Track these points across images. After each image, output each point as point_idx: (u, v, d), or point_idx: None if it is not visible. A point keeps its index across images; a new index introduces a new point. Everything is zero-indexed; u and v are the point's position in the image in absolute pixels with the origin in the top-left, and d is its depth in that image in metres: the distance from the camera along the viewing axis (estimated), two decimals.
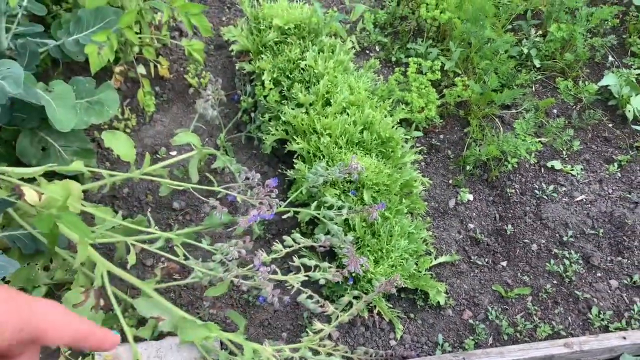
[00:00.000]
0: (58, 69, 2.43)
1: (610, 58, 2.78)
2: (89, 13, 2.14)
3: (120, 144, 2.03)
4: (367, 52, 2.73)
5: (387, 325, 1.91)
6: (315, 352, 1.72)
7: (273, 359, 1.63)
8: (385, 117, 2.20)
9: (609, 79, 2.51)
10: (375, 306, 1.93)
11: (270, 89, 2.28)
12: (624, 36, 2.84)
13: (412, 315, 1.94)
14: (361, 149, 2.10)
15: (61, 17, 2.21)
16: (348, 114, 2.12)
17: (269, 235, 2.15)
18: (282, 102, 2.26)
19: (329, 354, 1.76)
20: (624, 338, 1.88)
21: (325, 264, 1.68)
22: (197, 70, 2.51)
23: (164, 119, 2.49)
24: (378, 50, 2.72)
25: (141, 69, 2.38)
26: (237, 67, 2.48)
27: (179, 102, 2.54)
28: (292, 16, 2.39)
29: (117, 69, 2.42)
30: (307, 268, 1.68)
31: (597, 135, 2.51)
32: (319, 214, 1.87)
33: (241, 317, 1.85)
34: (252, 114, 2.41)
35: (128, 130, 2.43)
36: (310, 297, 1.67)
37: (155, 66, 2.53)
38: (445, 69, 2.48)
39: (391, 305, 1.96)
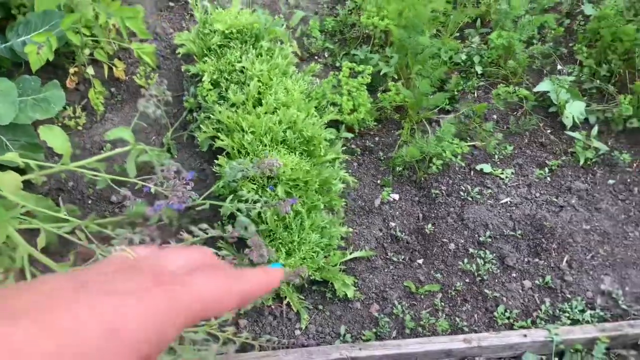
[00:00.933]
0: (20, 69, 2.59)
1: (559, 66, 2.81)
2: (36, 16, 2.30)
3: (54, 138, 2.17)
4: (316, 57, 2.83)
5: (295, 315, 1.98)
6: (215, 337, 1.81)
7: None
8: (315, 117, 2.28)
9: (544, 86, 2.55)
10: (285, 297, 2.00)
11: (209, 89, 2.39)
12: (570, 44, 2.88)
13: (320, 307, 2.01)
14: (285, 147, 2.19)
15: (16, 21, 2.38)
16: (278, 114, 2.22)
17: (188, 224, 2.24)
18: (220, 102, 2.37)
19: (229, 339, 1.85)
20: (525, 336, 1.91)
21: (224, 252, 1.77)
22: (146, 72, 2.65)
23: (115, 118, 2.63)
24: (327, 56, 2.82)
25: (91, 70, 2.52)
26: (183, 70, 2.61)
27: (132, 102, 2.68)
28: (235, 22, 2.51)
29: (72, 69, 2.57)
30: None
31: (533, 140, 2.55)
32: (232, 206, 1.96)
33: None
34: (195, 114, 2.53)
35: (80, 128, 2.57)
36: None
37: (111, 68, 2.67)
38: (382, 74, 2.56)
39: (303, 297, 2.03)
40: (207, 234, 1.82)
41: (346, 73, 2.41)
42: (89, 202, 2.34)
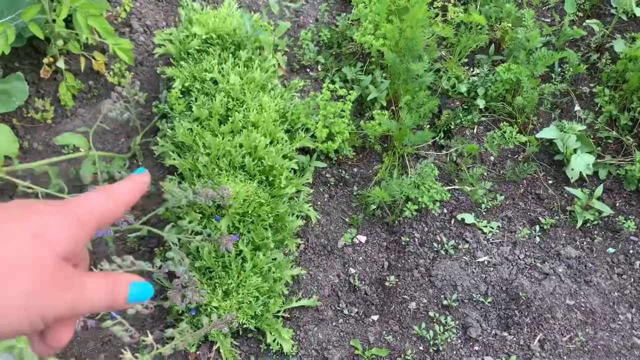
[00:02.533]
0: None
1: (577, 107, 2.51)
2: (4, 4, 2.16)
3: (2, 137, 2.05)
4: (308, 70, 2.61)
5: None
6: None
7: None
8: (282, 143, 2.08)
9: (549, 132, 2.26)
10: (216, 342, 1.83)
11: (178, 97, 2.22)
12: (592, 85, 2.56)
13: (253, 358, 1.83)
14: (244, 173, 2.00)
15: None
16: (240, 136, 2.03)
17: (144, 248, 2.09)
18: (187, 112, 2.19)
19: None
20: None
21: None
22: (121, 70, 2.49)
23: (86, 115, 2.49)
24: (319, 69, 2.59)
25: (62, 63, 2.38)
26: (158, 71, 2.44)
27: (108, 98, 2.53)
28: (217, 26, 2.31)
29: (46, 59, 2.44)
30: None
31: (529, 191, 2.28)
32: (168, 236, 1.79)
33: None
34: (164, 121, 2.36)
35: (49, 122, 2.44)
36: (119, 324, 1.60)
37: (90, 60, 2.53)
38: (369, 99, 2.32)
39: (237, 344, 1.86)
40: (133, 265, 1.66)
41: (326, 96, 2.19)
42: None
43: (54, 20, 2.30)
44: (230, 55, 2.30)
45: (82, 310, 0.51)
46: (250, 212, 1.89)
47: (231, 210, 1.87)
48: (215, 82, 2.22)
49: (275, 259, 1.90)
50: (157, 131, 2.44)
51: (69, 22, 2.37)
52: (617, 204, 2.25)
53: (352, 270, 2.03)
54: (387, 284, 1.99)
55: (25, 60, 2.54)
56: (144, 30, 2.78)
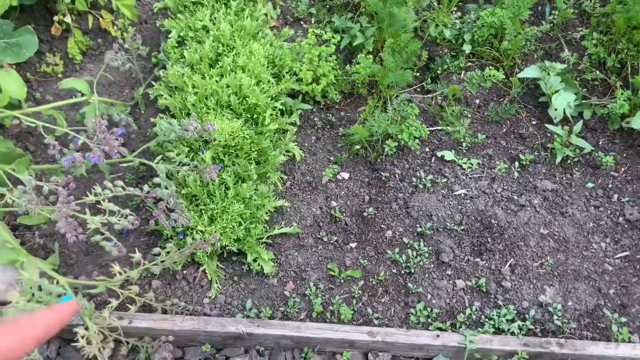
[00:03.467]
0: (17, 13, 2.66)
1: (566, 52, 2.53)
2: None
3: (10, 82, 2.23)
4: (302, 23, 2.71)
5: (208, 283, 1.95)
6: (116, 294, 1.82)
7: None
8: (268, 84, 2.20)
9: (531, 72, 2.30)
10: (203, 264, 1.97)
11: (174, 47, 2.36)
12: (579, 29, 2.58)
13: (236, 279, 1.96)
14: (231, 112, 2.13)
15: None
16: (226, 77, 2.15)
17: (135, 181, 2.24)
18: (182, 60, 2.33)
19: (131, 298, 1.86)
20: (437, 336, 1.78)
21: (127, 211, 1.75)
22: (124, 25, 2.65)
23: (94, 69, 2.66)
24: (313, 21, 2.69)
25: (69, 19, 2.55)
26: (157, 25, 2.58)
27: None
28: None
29: (57, 17, 2.62)
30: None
31: (512, 131, 2.33)
32: (156, 166, 1.94)
33: (56, 247, 2.01)
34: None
35: (59, 75, 2.63)
36: (107, 239, 1.75)
37: (97, 18, 2.70)
38: (354, 45, 2.41)
39: (223, 267, 2.00)
40: (124, 189, 1.81)
41: (312, 40, 2.29)
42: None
43: None
44: (223, 5, 2.43)
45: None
46: (234, 145, 2.02)
47: (216, 143, 2.00)
48: (207, 30, 2.35)
49: (257, 189, 2.02)
50: (158, 81, 2.60)
51: None
52: (600, 143, 2.28)
53: (334, 204, 2.14)
54: (365, 214, 2.09)
55: (39, 21, 2.72)
56: None
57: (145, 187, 1.84)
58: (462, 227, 2.03)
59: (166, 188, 1.88)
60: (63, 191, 1.74)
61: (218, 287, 1.93)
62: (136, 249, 1.88)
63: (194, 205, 2.00)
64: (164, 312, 1.88)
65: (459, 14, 2.62)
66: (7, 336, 0.67)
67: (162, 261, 1.84)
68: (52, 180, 1.79)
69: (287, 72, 2.31)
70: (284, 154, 2.20)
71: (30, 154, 2.33)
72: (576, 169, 2.21)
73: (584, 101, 2.36)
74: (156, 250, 1.82)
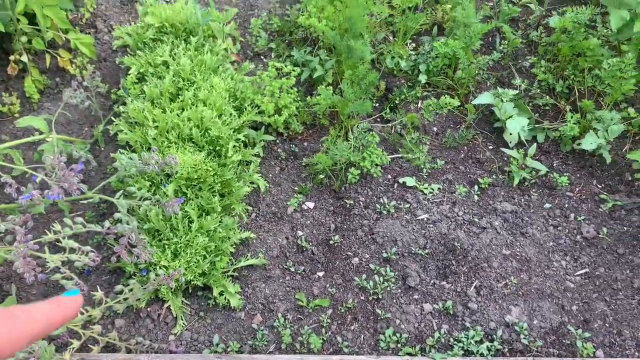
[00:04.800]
0: None
1: (518, 79, 2.64)
2: None
3: None
4: (262, 57, 2.75)
5: (173, 320, 1.90)
6: (78, 335, 1.75)
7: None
8: (230, 117, 2.21)
9: (484, 98, 2.39)
10: (167, 300, 1.93)
11: (134, 82, 2.36)
12: (528, 57, 2.70)
13: (202, 314, 1.92)
14: (193, 145, 2.12)
15: None
16: (187, 111, 2.16)
17: (96, 218, 2.20)
18: (143, 95, 2.33)
19: (93, 338, 1.79)
20: None
21: (87, 248, 1.71)
22: (83, 64, 2.63)
23: (52, 108, 2.62)
24: (273, 56, 2.74)
25: (25, 58, 2.52)
26: (117, 62, 2.58)
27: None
28: (169, 16, 2.47)
29: (13, 57, 2.59)
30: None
31: (470, 156, 2.40)
32: (117, 202, 1.91)
33: (13, 289, 1.94)
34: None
35: (16, 115, 2.58)
36: (67, 278, 1.70)
37: (55, 57, 2.68)
38: (314, 77, 2.46)
39: (188, 302, 1.95)
40: (84, 226, 1.77)
41: (272, 73, 2.32)
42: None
43: (18, 19, 2.46)
44: (183, 41, 2.45)
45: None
46: (197, 178, 2.01)
47: (178, 176, 1.99)
48: (167, 66, 2.36)
49: (222, 221, 2.01)
50: (117, 117, 2.58)
51: (35, 22, 2.52)
52: (555, 164, 2.37)
53: (300, 233, 2.14)
54: (332, 242, 2.09)
55: None
56: (108, 30, 2.94)
57: (106, 224, 1.80)
58: (426, 251, 2.05)
59: (128, 223, 1.85)
60: (21, 230, 1.69)
61: (184, 324, 1.89)
62: (98, 287, 1.83)
63: (157, 240, 1.97)
64: (129, 351, 1.82)
65: (414, 45, 2.72)
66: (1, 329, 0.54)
67: (125, 299, 1.79)
68: (8, 219, 1.74)
69: (249, 105, 2.33)
70: (249, 186, 2.20)
71: None
72: (533, 190, 2.27)
73: (537, 125, 2.46)
74: (119, 287, 1.78)
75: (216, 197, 2.02)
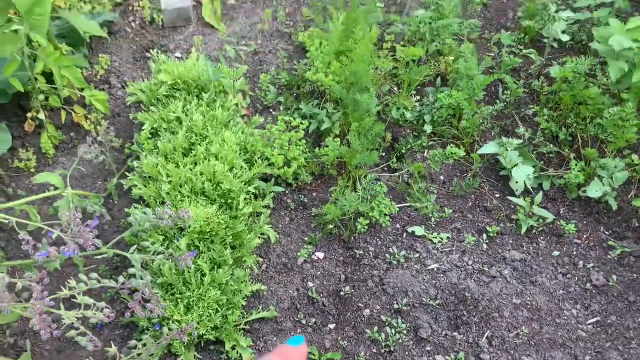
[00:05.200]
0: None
1: (522, 128, 2.69)
2: None
3: None
4: (271, 110, 2.83)
5: None
6: None
7: None
8: (240, 170, 2.27)
9: (490, 148, 2.44)
10: (179, 354, 1.93)
11: (147, 138, 2.43)
12: (530, 106, 2.77)
13: None
14: (205, 198, 2.17)
15: None
16: (200, 165, 2.21)
17: (115, 276, 2.23)
18: (155, 150, 2.39)
19: None
20: None
21: (102, 304, 1.73)
22: (97, 119, 2.72)
23: (66, 162, 2.69)
24: (281, 109, 2.82)
25: (42, 115, 2.61)
26: (131, 117, 2.66)
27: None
28: (182, 73, 2.56)
29: (30, 114, 2.68)
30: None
31: (477, 204, 2.43)
32: (131, 257, 1.94)
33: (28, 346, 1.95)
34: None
35: (32, 170, 2.65)
36: (82, 334, 1.72)
37: (70, 113, 2.77)
38: (322, 129, 2.53)
39: (200, 356, 1.96)
40: (99, 282, 1.80)
41: (281, 126, 2.39)
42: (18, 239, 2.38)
43: (36, 78, 2.56)
44: (195, 97, 2.53)
45: None
46: (209, 231, 2.05)
47: (191, 230, 2.03)
48: (180, 121, 2.43)
49: (233, 274, 2.03)
50: (131, 172, 2.64)
51: (52, 80, 2.62)
52: (561, 211, 2.39)
53: (311, 284, 2.16)
54: (342, 294, 2.11)
55: (12, 118, 2.78)
56: (122, 85, 3.04)
57: (120, 279, 1.83)
58: (437, 302, 2.06)
59: (141, 278, 1.88)
60: (37, 287, 1.72)
61: None
62: (111, 342, 1.84)
63: (170, 294, 1.99)
64: None
65: (418, 97, 2.79)
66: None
67: (139, 354, 1.80)
68: (25, 276, 1.78)
69: (259, 157, 2.39)
70: (259, 237, 2.23)
71: (1, 249, 2.30)
72: (541, 238, 2.29)
73: (542, 173, 2.49)
74: (132, 342, 1.79)
75: (228, 250, 2.05)
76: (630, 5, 2.96)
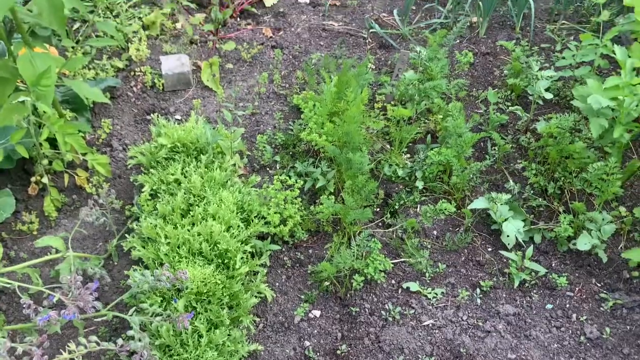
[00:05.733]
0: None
1: (511, 183, 2.77)
2: None
3: None
4: (268, 169, 2.92)
5: None
6: None
7: None
8: (237, 229, 2.33)
9: (480, 203, 2.51)
10: None
11: (147, 199, 2.50)
12: (519, 161, 2.85)
13: None
14: (202, 258, 2.22)
15: None
16: (197, 226, 2.28)
17: (115, 338, 2.25)
18: (155, 212, 2.46)
19: None
20: None
21: None
22: (99, 182, 2.80)
23: (68, 224, 2.76)
24: (278, 167, 2.91)
25: (46, 179, 2.69)
26: (131, 179, 2.75)
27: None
28: (181, 137, 2.66)
29: (34, 178, 2.76)
30: None
31: (470, 259, 2.47)
32: (129, 319, 1.97)
33: None
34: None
35: (34, 233, 2.71)
36: None
37: (72, 176, 2.85)
38: (317, 187, 2.60)
39: None
40: (98, 344, 1.83)
41: (277, 186, 2.47)
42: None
43: (40, 144, 2.66)
44: (194, 159, 2.62)
45: None
46: (206, 292, 2.09)
47: (188, 291, 2.07)
48: (179, 183, 2.51)
49: (230, 335, 2.06)
50: (131, 233, 2.70)
51: (55, 145, 2.72)
52: (553, 264, 2.43)
53: (307, 343, 2.18)
54: (339, 352, 2.13)
55: (16, 182, 2.86)
56: (123, 148, 3.14)
57: (119, 341, 1.86)
58: (433, 358, 2.08)
59: (140, 340, 1.91)
60: (38, 351, 1.76)
61: None
62: None
63: (168, 356, 2.01)
64: None
65: (409, 154, 2.88)
66: None
67: None
68: (26, 340, 1.81)
69: (255, 216, 2.45)
70: (256, 296, 2.26)
71: (3, 313, 2.33)
72: (534, 291, 2.33)
73: (532, 226, 2.55)
74: None
75: (225, 310, 2.09)
76: (609, 63, 3.10)
